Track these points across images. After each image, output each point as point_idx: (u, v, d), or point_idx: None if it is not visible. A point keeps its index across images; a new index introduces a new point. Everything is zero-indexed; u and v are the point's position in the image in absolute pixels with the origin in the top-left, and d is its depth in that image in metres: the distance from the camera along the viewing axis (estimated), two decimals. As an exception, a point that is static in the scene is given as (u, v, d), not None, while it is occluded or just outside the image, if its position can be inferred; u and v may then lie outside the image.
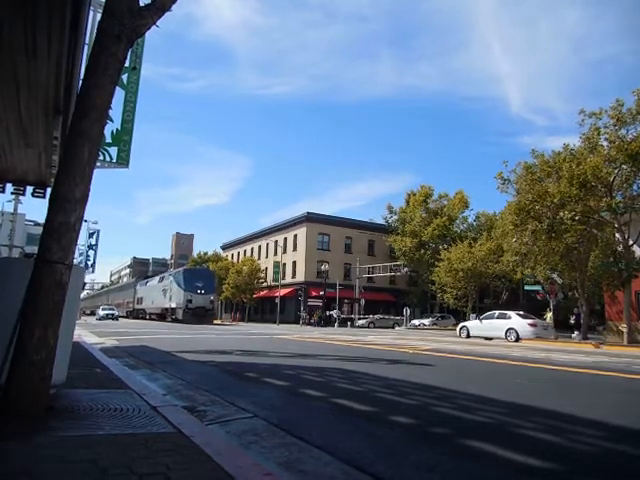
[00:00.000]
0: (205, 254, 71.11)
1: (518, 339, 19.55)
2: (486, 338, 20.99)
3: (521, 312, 22.63)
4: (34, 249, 4.20)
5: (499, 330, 20.73)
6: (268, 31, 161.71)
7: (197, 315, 36.27)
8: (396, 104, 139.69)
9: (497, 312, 22.66)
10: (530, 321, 20.47)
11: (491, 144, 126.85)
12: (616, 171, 21.08)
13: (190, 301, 37.27)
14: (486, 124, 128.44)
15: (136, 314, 53.14)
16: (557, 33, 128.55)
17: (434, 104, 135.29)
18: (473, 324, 23.16)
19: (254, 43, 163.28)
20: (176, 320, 37.72)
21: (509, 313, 21.77)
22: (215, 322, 40.82)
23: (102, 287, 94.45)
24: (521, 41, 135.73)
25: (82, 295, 39.45)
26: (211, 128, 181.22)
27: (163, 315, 42.62)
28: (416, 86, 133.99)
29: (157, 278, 49.94)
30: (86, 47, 5.68)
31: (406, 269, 45.12)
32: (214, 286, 41.66)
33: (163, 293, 42.95)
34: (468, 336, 22.26)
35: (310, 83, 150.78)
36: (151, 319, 45.67)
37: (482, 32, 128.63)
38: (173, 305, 39.59)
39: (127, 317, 55.66)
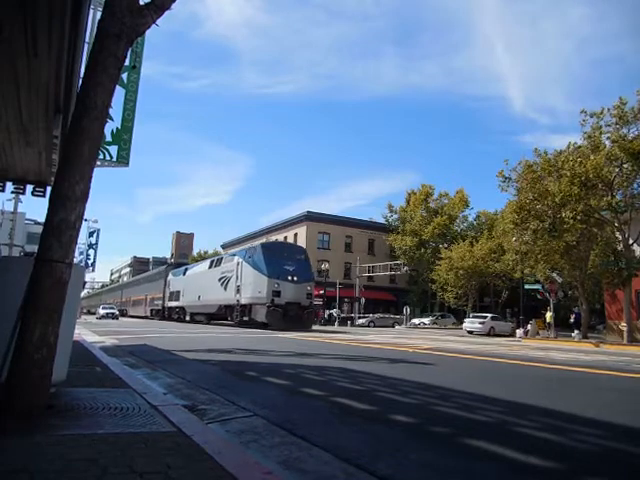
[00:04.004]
0: (205, 253, 71.13)
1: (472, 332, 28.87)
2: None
3: (476, 314, 32.73)
4: (34, 248, 4.20)
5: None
6: (271, 29, 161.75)
7: (291, 316, 23.36)
8: (398, 102, 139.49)
9: (473, 314, 33.47)
10: (468, 319, 30.69)
11: (493, 143, 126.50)
12: (617, 170, 21.09)
13: (277, 293, 23.58)
14: (489, 123, 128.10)
15: (168, 314, 38.03)
16: (561, 32, 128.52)
17: (436, 103, 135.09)
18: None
19: (257, 41, 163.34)
20: (251, 323, 25.18)
21: (480, 315, 31.80)
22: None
23: (102, 286, 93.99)
24: (524, 40, 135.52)
25: (82, 294, 38.40)
26: (213, 127, 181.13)
27: (219, 315, 28.89)
28: (419, 85, 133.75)
29: (206, 262, 34.35)
30: (86, 46, 5.69)
31: (406, 268, 45.14)
32: (311, 271, 27.21)
33: (221, 283, 28.52)
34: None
35: (313, 82, 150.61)
36: (194, 321, 32.20)
37: (485, 31, 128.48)
38: (244, 300, 25.29)
39: (151, 318, 42.06)
